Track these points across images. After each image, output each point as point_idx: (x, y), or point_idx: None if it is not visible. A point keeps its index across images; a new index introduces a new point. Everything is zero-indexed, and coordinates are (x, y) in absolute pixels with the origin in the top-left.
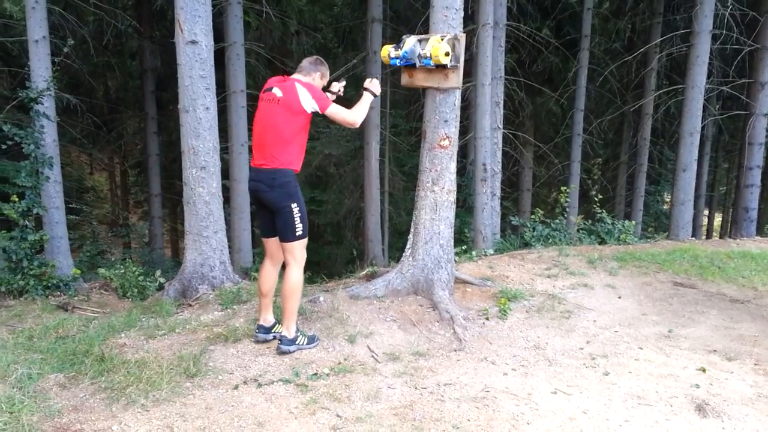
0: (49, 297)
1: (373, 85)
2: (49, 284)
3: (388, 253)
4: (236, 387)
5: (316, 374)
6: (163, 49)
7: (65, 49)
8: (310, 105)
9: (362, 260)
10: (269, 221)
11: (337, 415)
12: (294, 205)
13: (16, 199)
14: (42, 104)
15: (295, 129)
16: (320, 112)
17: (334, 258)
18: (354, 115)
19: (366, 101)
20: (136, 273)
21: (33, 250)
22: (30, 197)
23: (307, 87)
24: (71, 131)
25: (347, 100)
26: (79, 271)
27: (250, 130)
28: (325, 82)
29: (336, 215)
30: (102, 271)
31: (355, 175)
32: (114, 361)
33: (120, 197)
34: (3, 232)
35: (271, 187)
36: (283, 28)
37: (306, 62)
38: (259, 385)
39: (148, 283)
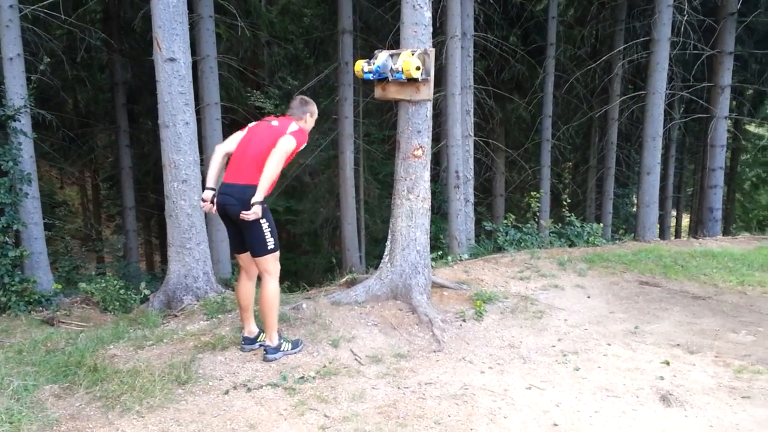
0: (32, 312)
1: (257, 210)
2: (31, 300)
3: (365, 261)
4: (227, 392)
5: (302, 378)
6: (134, 62)
7: (41, 67)
8: (288, 130)
9: (340, 268)
10: (238, 237)
11: (325, 416)
12: (263, 221)
13: None
14: (19, 121)
15: None
16: (280, 136)
17: (312, 267)
18: (272, 165)
19: (265, 190)
20: (117, 286)
21: (13, 266)
22: (9, 213)
23: (300, 130)
24: (42, 145)
25: (319, 109)
26: (60, 286)
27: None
28: (314, 119)
29: (312, 224)
30: (83, 285)
31: (330, 184)
32: (106, 371)
33: (92, 211)
34: None
35: (241, 201)
36: (254, 40)
37: (294, 105)
38: (249, 390)
39: (129, 296)
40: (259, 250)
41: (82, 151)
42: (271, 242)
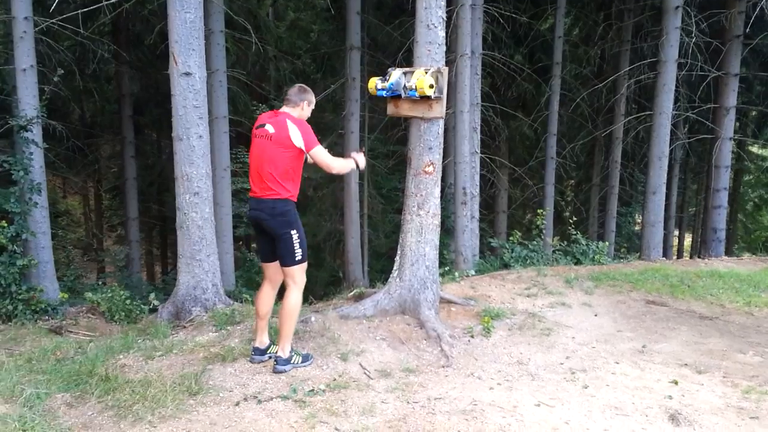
0: (38, 321)
1: (360, 159)
2: (38, 309)
3: (368, 275)
4: (237, 404)
5: (312, 390)
6: (141, 74)
7: (55, 78)
8: (299, 141)
9: (343, 282)
10: (269, 247)
11: (336, 429)
12: (293, 232)
13: (5, 225)
14: (31, 131)
15: (288, 162)
16: (305, 151)
17: (314, 280)
18: (335, 164)
19: (349, 163)
20: (123, 297)
21: (21, 275)
22: (19, 222)
23: (298, 124)
24: (48, 155)
25: (325, 124)
26: (66, 296)
27: (232, 155)
28: (312, 107)
29: (315, 238)
30: (89, 295)
31: (333, 198)
32: (118, 380)
33: (94, 221)
34: None
35: (272, 216)
36: (263, 54)
37: (291, 93)
38: (259, 402)
39: (134, 306)
40: (288, 260)
41: (86, 162)
42: (299, 253)
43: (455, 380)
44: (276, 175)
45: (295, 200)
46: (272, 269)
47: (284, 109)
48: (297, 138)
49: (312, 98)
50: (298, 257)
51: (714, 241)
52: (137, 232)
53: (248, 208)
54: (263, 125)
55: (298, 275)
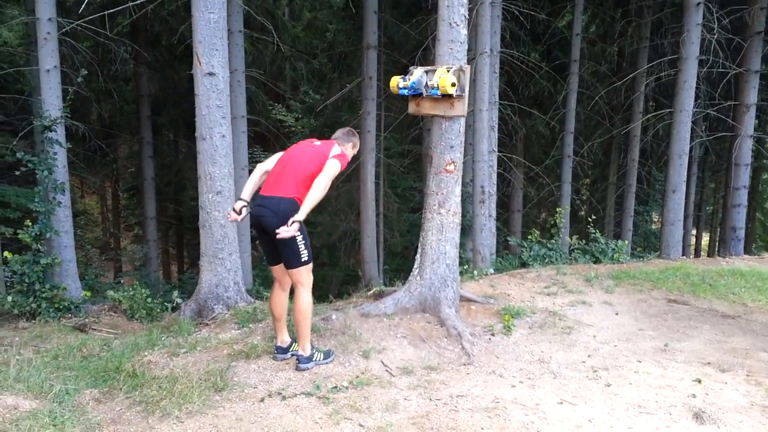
0: (62, 319)
1: (293, 228)
2: (61, 306)
3: (383, 274)
4: (262, 400)
5: (335, 387)
6: (159, 75)
7: (78, 79)
8: (332, 153)
9: (359, 282)
10: (273, 249)
11: (360, 425)
12: (297, 233)
13: (29, 224)
14: (55, 131)
15: (315, 170)
16: (328, 157)
17: (330, 279)
18: (319, 186)
19: (308, 209)
20: (144, 295)
21: (44, 274)
22: (42, 222)
23: (341, 152)
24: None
25: (341, 123)
26: (89, 294)
27: (250, 154)
28: (356, 151)
29: (330, 237)
30: (111, 293)
31: (349, 197)
32: (145, 376)
33: (111, 221)
34: (15, 256)
35: (276, 213)
36: (279, 54)
37: (340, 133)
38: (284, 398)
39: (155, 304)
40: (293, 262)
41: (105, 162)
42: (305, 254)
43: (477, 378)
44: (298, 176)
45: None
46: (279, 272)
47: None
48: (333, 152)
49: (357, 142)
50: (304, 258)
51: (733, 240)
52: (155, 231)
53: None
54: (310, 141)
55: (304, 276)
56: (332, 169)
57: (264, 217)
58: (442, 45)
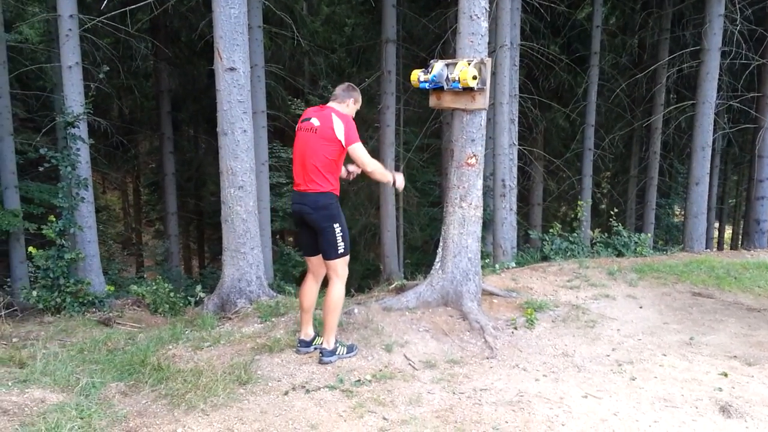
0: (86, 313)
1: (399, 178)
2: (85, 301)
3: (403, 268)
4: (286, 393)
5: (359, 381)
6: (179, 70)
7: (101, 75)
8: (341, 135)
9: (379, 275)
10: (311, 241)
11: (384, 418)
12: (336, 225)
13: (53, 219)
14: (78, 128)
15: (332, 156)
16: (344, 145)
17: (350, 273)
18: (371, 164)
19: (386, 173)
20: (167, 289)
21: (68, 268)
22: (66, 217)
23: (342, 119)
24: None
25: (360, 118)
26: (113, 288)
27: (270, 149)
28: (358, 106)
29: (350, 231)
30: (134, 288)
31: (369, 192)
32: (170, 369)
33: (133, 216)
34: (40, 251)
35: (315, 209)
36: (298, 49)
37: (339, 90)
38: (307, 392)
39: (178, 298)
40: (330, 253)
41: (126, 158)
42: (341, 246)
43: (500, 372)
44: (320, 167)
45: (338, 194)
46: (315, 263)
47: (330, 104)
48: (340, 131)
49: (359, 97)
50: (341, 250)
51: (757, 233)
52: (176, 226)
53: (291, 201)
54: (309, 119)
55: (341, 268)
56: (360, 152)
57: (305, 214)
58: (463, 38)
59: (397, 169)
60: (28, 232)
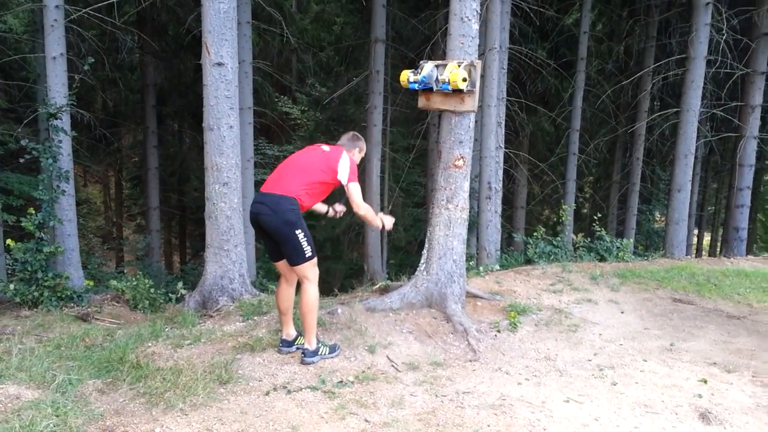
0: (64, 308)
1: (387, 220)
2: (63, 296)
3: (387, 268)
4: (267, 393)
5: (341, 382)
6: (166, 64)
7: (85, 67)
8: (343, 173)
9: (362, 275)
10: (274, 246)
11: (366, 420)
12: (298, 231)
13: (33, 212)
14: (60, 119)
15: (321, 179)
16: (343, 183)
17: (333, 273)
18: (363, 207)
19: (375, 217)
20: (148, 285)
21: (47, 262)
22: (46, 210)
23: (350, 160)
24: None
25: (347, 117)
26: (92, 283)
27: (255, 146)
28: (362, 155)
29: (334, 230)
30: (114, 283)
31: None
32: (149, 367)
33: (114, 210)
34: (18, 243)
35: (275, 211)
36: (287, 46)
37: (345, 139)
38: (289, 392)
39: (158, 295)
40: (296, 258)
41: (109, 151)
42: (308, 250)
43: (483, 375)
44: (301, 178)
45: (302, 209)
46: (283, 267)
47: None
48: (343, 170)
49: (363, 146)
50: (308, 254)
51: (736, 241)
52: (158, 221)
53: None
54: (320, 145)
55: (310, 271)
56: (356, 193)
57: (262, 214)
58: (453, 39)
59: (382, 170)
60: (6, 224)
